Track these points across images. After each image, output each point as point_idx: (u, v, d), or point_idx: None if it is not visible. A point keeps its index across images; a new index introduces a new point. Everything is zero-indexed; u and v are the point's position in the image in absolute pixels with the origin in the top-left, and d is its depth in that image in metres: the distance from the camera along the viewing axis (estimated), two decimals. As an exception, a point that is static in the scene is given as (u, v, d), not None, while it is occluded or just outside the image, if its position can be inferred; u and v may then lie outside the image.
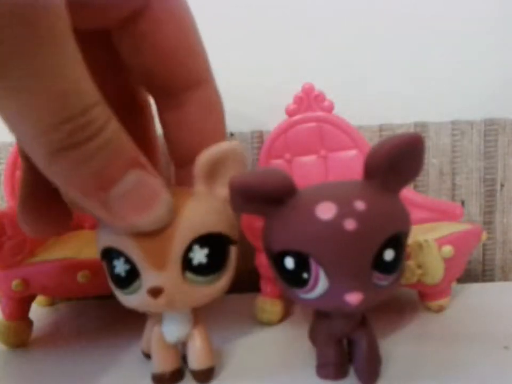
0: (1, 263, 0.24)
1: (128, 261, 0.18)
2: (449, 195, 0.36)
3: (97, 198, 0.15)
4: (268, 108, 0.34)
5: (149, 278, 0.18)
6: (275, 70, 0.35)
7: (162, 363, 0.21)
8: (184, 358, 0.22)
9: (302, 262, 0.18)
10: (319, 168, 0.29)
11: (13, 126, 0.14)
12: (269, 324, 0.27)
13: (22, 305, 0.26)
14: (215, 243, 0.19)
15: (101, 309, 0.32)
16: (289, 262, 0.18)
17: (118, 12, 0.17)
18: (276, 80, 0.35)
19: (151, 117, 0.23)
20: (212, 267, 0.19)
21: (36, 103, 0.13)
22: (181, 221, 0.18)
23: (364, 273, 0.17)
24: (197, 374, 0.21)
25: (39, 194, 0.19)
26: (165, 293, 0.18)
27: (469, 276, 0.36)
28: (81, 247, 0.27)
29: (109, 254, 0.19)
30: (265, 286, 0.28)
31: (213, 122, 0.20)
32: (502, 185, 0.36)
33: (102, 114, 0.14)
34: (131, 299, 0.19)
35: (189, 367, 0.21)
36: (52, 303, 0.33)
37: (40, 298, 0.32)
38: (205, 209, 0.19)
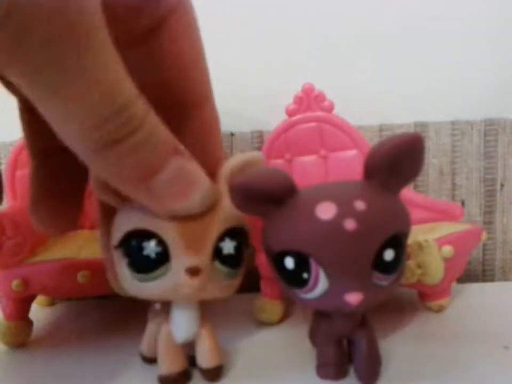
0: (1, 263, 0.24)
1: (160, 243, 0.18)
2: (449, 195, 0.36)
3: (143, 187, 0.16)
4: (268, 108, 0.34)
5: (184, 260, 0.18)
6: (275, 70, 0.35)
7: (170, 364, 0.21)
8: (190, 359, 0.22)
9: (302, 262, 0.18)
10: (319, 168, 0.29)
11: (59, 125, 0.14)
12: (269, 323, 0.27)
13: (22, 305, 0.26)
14: (242, 238, 0.20)
15: (101, 309, 0.32)
16: (289, 262, 0.18)
17: (141, 21, 0.18)
18: (276, 80, 0.35)
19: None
20: (237, 260, 0.20)
21: (81, 103, 0.14)
22: (218, 210, 0.19)
23: (364, 273, 0.17)
24: (207, 373, 0.21)
25: (50, 191, 0.19)
26: (202, 274, 0.18)
27: (469, 276, 0.36)
28: (81, 247, 0.27)
29: (137, 236, 0.18)
30: (265, 286, 0.28)
31: (215, 139, 0.21)
32: (502, 185, 0.36)
33: (142, 109, 0.15)
34: (152, 285, 0.19)
35: (198, 366, 0.21)
36: (52, 303, 0.33)
37: (40, 298, 0.32)
38: (229, 204, 0.19)
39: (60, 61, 0.13)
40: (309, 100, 0.29)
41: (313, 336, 0.22)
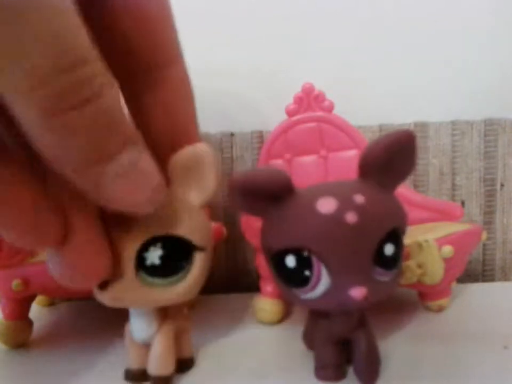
0: (1, 263, 0.24)
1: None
2: (449, 195, 0.36)
3: (91, 174, 0.14)
4: (268, 108, 0.34)
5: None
6: (275, 70, 0.35)
7: (130, 359, 0.21)
8: None
9: (304, 260, 0.18)
10: (319, 168, 0.29)
11: (3, 80, 0.12)
12: (269, 324, 0.27)
13: (22, 305, 0.26)
14: (173, 246, 0.18)
15: (101, 309, 0.31)
16: (290, 261, 0.18)
17: None
18: (276, 80, 0.35)
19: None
20: (167, 270, 0.18)
21: (28, 43, 0.11)
22: (138, 218, 0.17)
23: (366, 267, 0.17)
24: (153, 380, 0.21)
25: None
26: (109, 287, 0.18)
27: (469, 276, 0.35)
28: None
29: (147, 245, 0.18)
30: (265, 286, 0.28)
31: (185, 104, 0.19)
32: (502, 185, 0.36)
33: (101, 75, 0.13)
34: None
35: (148, 372, 0.21)
36: (51, 303, 0.33)
37: (40, 298, 0.32)
38: (168, 210, 0.18)
39: None
40: (309, 100, 0.29)
41: (309, 339, 0.22)
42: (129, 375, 0.21)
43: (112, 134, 0.14)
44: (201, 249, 0.19)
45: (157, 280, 0.18)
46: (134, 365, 0.21)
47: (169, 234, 0.18)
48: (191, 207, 0.19)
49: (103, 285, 0.18)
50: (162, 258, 0.18)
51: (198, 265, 0.19)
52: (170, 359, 0.21)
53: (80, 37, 0.13)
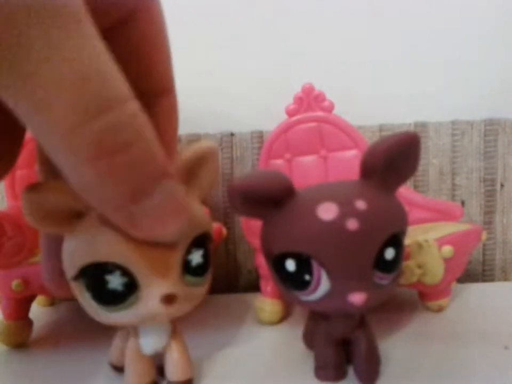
0: (1, 263, 0.24)
1: (125, 272, 0.17)
2: (449, 195, 0.36)
3: (126, 211, 0.14)
4: (268, 108, 0.34)
5: (156, 287, 0.17)
6: (275, 70, 0.35)
7: (137, 376, 0.20)
8: (160, 370, 0.21)
9: (304, 264, 0.18)
10: (319, 168, 0.29)
11: (36, 130, 0.12)
12: (269, 324, 0.27)
13: (22, 305, 0.26)
14: (207, 242, 0.19)
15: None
16: (290, 265, 0.18)
17: (115, 11, 0.17)
18: (276, 80, 0.35)
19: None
20: (207, 266, 0.19)
21: (52, 92, 0.11)
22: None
23: (366, 272, 0.17)
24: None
25: None
26: (178, 299, 0.17)
27: (469, 276, 0.35)
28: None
29: (97, 270, 0.17)
30: (265, 286, 0.28)
31: (173, 131, 0.20)
32: (502, 185, 0.36)
33: (140, 116, 0.13)
34: (124, 314, 0.17)
35: (167, 378, 0.21)
36: (52, 303, 0.33)
37: (40, 298, 0.32)
38: (195, 209, 0.18)
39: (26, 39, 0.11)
40: (309, 100, 0.29)
41: (309, 339, 0.22)
42: None
43: (150, 170, 0.14)
44: (212, 241, 0.19)
45: (199, 279, 0.18)
46: (142, 380, 0.20)
47: (203, 230, 0.18)
48: (199, 203, 0.19)
49: (170, 300, 0.17)
50: (203, 256, 0.18)
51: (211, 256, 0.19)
52: (189, 362, 0.21)
53: (115, 75, 0.12)
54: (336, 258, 0.17)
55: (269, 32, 0.35)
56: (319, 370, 0.21)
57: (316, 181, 0.28)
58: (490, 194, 0.36)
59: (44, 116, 0.11)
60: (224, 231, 0.31)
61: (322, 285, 0.17)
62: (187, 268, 0.18)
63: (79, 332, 0.28)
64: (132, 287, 0.17)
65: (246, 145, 0.35)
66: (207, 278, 0.19)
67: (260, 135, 0.35)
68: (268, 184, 0.18)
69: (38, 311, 0.31)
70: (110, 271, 0.17)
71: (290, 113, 0.29)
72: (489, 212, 0.36)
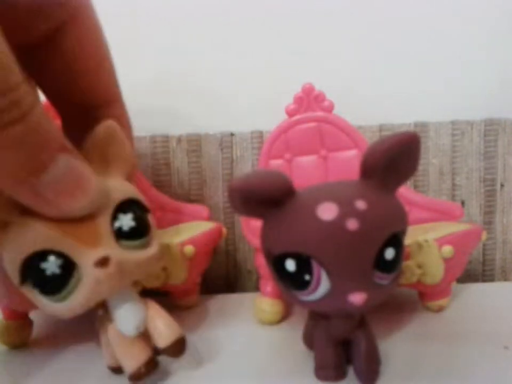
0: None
1: (58, 255, 0.17)
2: (449, 195, 0.36)
3: (28, 185, 0.15)
4: (268, 108, 0.34)
5: (91, 256, 0.17)
6: (275, 70, 0.35)
7: (134, 359, 0.20)
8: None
9: (304, 264, 0.17)
10: (319, 168, 0.29)
11: None
12: (268, 324, 0.27)
13: (22, 305, 0.26)
14: (135, 207, 0.19)
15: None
16: (290, 265, 0.18)
17: (41, 25, 0.18)
18: (276, 80, 0.35)
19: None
20: (141, 229, 0.19)
21: None
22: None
23: (366, 273, 0.17)
24: (169, 349, 0.20)
25: None
26: (113, 260, 0.18)
27: (469, 276, 0.36)
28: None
29: (32, 261, 0.17)
30: (265, 286, 0.28)
31: (127, 137, 0.21)
32: (502, 185, 0.36)
33: (29, 95, 0.14)
34: (75, 298, 0.18)
35: (158, 348, 0.20)
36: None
37: (40, 298, 0.32)
38: (112, 180, 0.19)
39: None
40: (309, 100, 0.29)
41: (309, 339, 0.22)
42: (138, 375, 0.20)
43: (43, 146, 0.15)
44: (149, 211, 0.20)
45: (136, 242, 0.19)
46: (140, 360, 0.20)
47: (127, 196, 0.19)
48: (122, 179, 0.20)
49: (104, 262, 0.17)
50: (134, 220, 0.19)
51: (155, 226, 0.20)
52: (174, 323, 0.21)
53: (11, 63, 0.14)
54: (336, 258, 0.17)
55: (268, 32, 0.35)
56: (319, 370, 0.21)
57: (316, 181, 0.28)
58: (490, 194, 0.36)
59: None
60: (224, 231, 0.31)
61: (322, 285, 0.17)
62: (121, 234, 0.18)
63: (79, 332, 0.28)
64: (70, 268, 0.18)
65: (246, 145, 0.35)
66: (147, 244, 0.19)
67: (260, 135, 0.35)
68: (268, 184, 0.18)
69: (38, 311, 0.31)
70: (45, 259, 0.17)
71: (290, 113, 0.29)
72: (489, 212, 0.36)
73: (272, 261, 0.19)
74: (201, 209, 0.32)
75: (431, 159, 0.35)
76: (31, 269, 0.17)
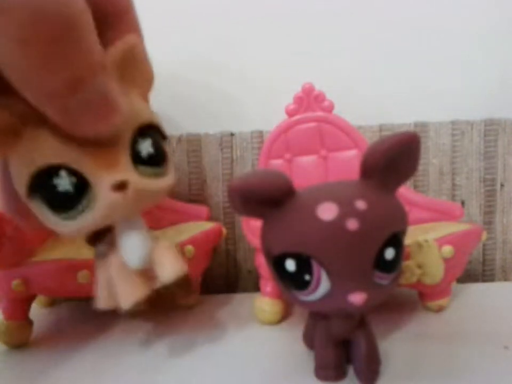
0: (1, 263, 0.24)
1: (72, 172, 0.17)
2: (449, 195, 0.36)
3: (62, 100, 0.15)
4: (268, 108, 0.34)
5: (106, 179, 0.17)
6: (275, 70, 0.35)
7: (132, 295, 0.19)
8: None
9: (304, 264, 0.18)
10: (319, 168, 0.29)
11: None
12: (269, 324, 0.27)
13: (22, 305, 0.26)
14: (155, 133, 0.19)
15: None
16: (290, 265, 0.18)
17: None
18: (276, 80, 0.35)
19: None
20: (159, 156, 0.19)
21: None
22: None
23: (366, 272, 0.17)
24: (180, 281, 0.20)
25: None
26: (131, 185, 0.17)
27: (469, 276, 0.36)
28: (81, 247, 0.27)
29: (45, 176, 0.17)
30: (265, 286, 0.28)
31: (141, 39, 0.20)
32: (502, 185, 0.36)
33: (82, 11, 0.14)
34: (84, 218, 0.17)
35: (164, 281, 0.20)
36: (51, 303, 0.33)
37: (40, 298, 0.32)
38: (133, 102, 0.18)
39: None
40: (309, 100, 0.29)
41: (309, 339, 0.22)
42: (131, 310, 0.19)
43: (87, 60, 0.14)
44: (166, 137, 0.19)
45: (153, 170, 0.18)
46: (135, 297, 0.19)
47: (147, 121, 0.18)
48: (140, 99, 0.19)
49: (122, 186, 0.17)
50: (153, 145, 0.18)
51: (171, 154, 0.19)
52: (181, 260, 0.20)
53: None
54: (336, 258, 0.17)
55: (269, 32, 0.35)
56: (319, 370, 0.21)
57: (316, 181, 0.28)
58: (490, 194, 0.36)
59: None
60: (224, 231, 0.31)
61: (322, 285, 0.17)
62: (139, 159, 0.18)
63: (79, 332, 0.28)
64: (83, 187, 0.17)
65: (246, 145, 0.35)
66: (164, 172, 0.19)
67: (260, 135, 0.35)
68: (268, 184, 0.18)
69: (38, 311, 0.31)
70: (57, 174, 0.16)
71: (290, 113, 0.29)
72: (489, 212, 0.36)
73: (272, 261, 0.19)
74: (201, 209, 0.32)
75: (431, 159, 0.35)
76: (42, 182, 0.17)
